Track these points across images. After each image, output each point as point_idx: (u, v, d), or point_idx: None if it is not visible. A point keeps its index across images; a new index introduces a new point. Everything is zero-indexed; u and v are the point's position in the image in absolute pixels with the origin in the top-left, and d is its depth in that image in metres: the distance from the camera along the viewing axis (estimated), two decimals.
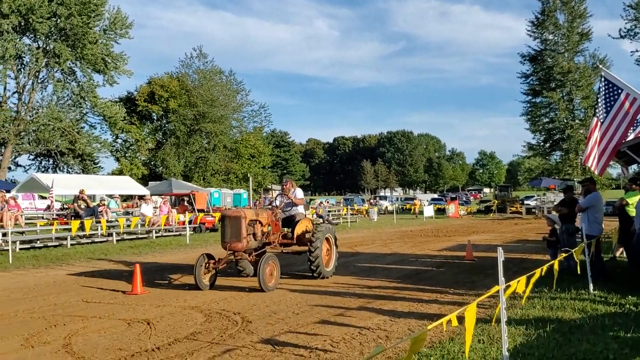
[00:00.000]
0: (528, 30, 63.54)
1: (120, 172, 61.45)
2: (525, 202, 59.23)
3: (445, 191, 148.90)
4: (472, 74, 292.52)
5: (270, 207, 14.71)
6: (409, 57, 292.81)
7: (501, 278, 5.72)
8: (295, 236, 14.01)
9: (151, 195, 35.74)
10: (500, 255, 5.70)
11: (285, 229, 14.32)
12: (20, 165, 66.72)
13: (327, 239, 14.26)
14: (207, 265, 12.40)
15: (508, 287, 6.23)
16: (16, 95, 57.90)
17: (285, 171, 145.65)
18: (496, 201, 57.66)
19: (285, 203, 14.61)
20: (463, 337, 7.48)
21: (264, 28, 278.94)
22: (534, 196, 66.12)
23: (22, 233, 22.34)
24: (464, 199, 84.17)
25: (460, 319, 5.00)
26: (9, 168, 59.20)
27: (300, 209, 14.83)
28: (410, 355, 4.08)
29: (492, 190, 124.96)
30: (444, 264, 16.73)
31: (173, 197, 38.00)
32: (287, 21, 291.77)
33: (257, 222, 13.07)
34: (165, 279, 14.37)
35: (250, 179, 12.15)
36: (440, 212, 54.41)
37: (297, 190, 14.90)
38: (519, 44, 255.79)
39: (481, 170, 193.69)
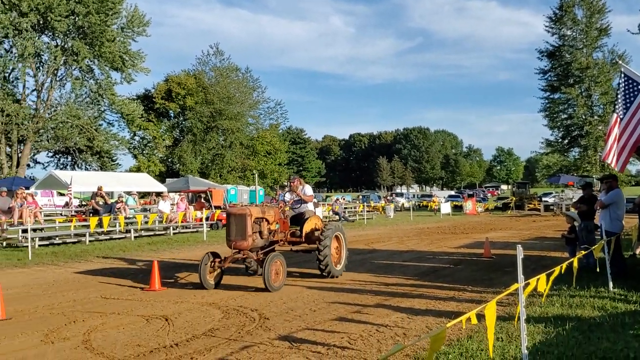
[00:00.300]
0: (546, 26, 63.28)
1: (137, 169, 61.80)
2: (544, 199, 58.73)
3: (462, 188, 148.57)
4: (489, 70, 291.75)
5: (277, 203, 14.63)
6: (425, 53, 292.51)
7: (520, 276, 5.69)
8: (303, 234, 13.65)
9: (168, 192, 35.90)
10: (520, 253, 5.66)
11: (295, 226, 14.00)
12: (39, 163, 67.30)
13: (336, 236, 13.89)
14: (213, 264, 12.19)
15: (527, 284, 6.19)
16: (35, 93, 58.30)
17: (301, 168, 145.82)
18: (514, 198, 57.26)
19: (294, 200, 14.28)
20: (481, 334, 7.47)
21: (280, 25, 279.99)
22: (552, 193, 65.61)
23: (41, 230, 22.52)
24: (482, 195, 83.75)
25: (480, 317, 4.97)
26: (28, 165, 59.68)
27: (310, 206, 14.54)
28: (431, 354, 4.06)
29: (509, 187, 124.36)
30: (461, 262, 16.65)
31: (190, 193, 38.14)
32: (303, 18, 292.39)
33: (264, 219, 12.76)
34: (182, 275, 14.42)
35: (256, 175, 11.84)
36: (458, 209, 54.19)
37: (306, 187, 14.49)
38: (536, 39, 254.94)
39: (499, 167, 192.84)
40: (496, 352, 6.87)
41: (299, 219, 14.08)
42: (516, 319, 7.32)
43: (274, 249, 13.35)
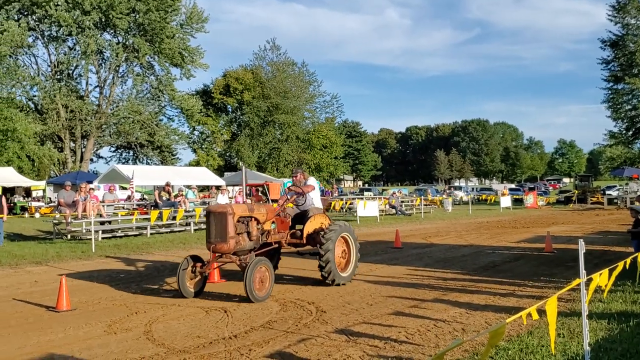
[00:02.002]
0: (608, 15, 61.52)
1: (197, 163, 62.73)
2: (607, 192, 57.37)
3: (523, 181, 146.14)
4: (549, 61, 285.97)
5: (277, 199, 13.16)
6: (483, 44, 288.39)
7: (582, 271, 5.58)
8: (305, 235, 11.94)
9: (226, 185, 36.30)
10: (582, 247, 5.56)
11: (297, 226, 12.44)
12: (102, 157, 69.16)
13: (344, 239, 12.13)
14: (194, 269, 10.63)
15: (590, 280, 6.07)
16: (98, 89, 59.85)
17: (357, 161, 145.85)
18: (576, 191, 56.07)
19: (296, 196, 12.51)
20: (542, 330, 7.35)
21: (335, 18, 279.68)
22: (616, 186, 63.95)
23: (103, 223, 23.07)
24: (543, 189, 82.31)
25: (540, 313, 4.90)
26: (91, 160, 61.25)
27: (316, 202, 12.80)
28: (488, 348, 4.02)
29: (572, 180, 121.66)
30: (521, 256, 16.39)
31: (247, 187, 38.48)
32: (358, 11, 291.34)
33: (252, 218, 11.07)
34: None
35: (243, 167, 11.07)
36: (518, 202, 53.34)
37: (310, 180, 12.92)
38: (598, 29, 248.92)
39: (560, 160, 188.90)
40: (557, 349, 6.76)
41: (302, 218, 12.48)
42: (583, 316, 7.19)
43: (278, 250, 12.24)
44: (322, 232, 11.69)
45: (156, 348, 7.32)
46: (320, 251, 11.42)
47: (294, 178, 12.72)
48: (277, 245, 12.02)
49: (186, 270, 10.52)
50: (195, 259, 10.77)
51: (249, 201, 12.72)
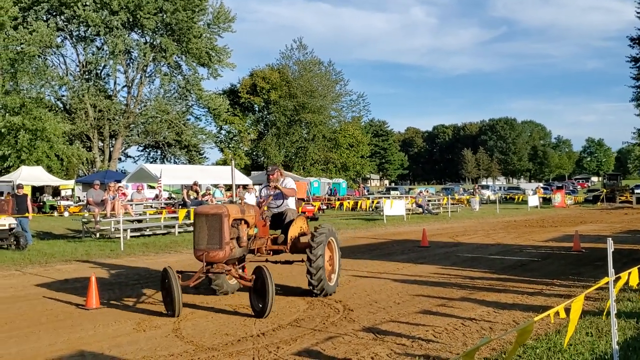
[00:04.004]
0: (638, 13, 60.62)
1: (224, 163, 62.99)
2: (636, 191, 56.60)
3: (551, 180, 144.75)
4: (576, 59, 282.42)
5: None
6: (510, 42, 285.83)
7: (611, 270, 5.53)
8: (289, 241, 10.61)
9: (253, 184, 36.43)
10: (610, 246, 5.51)
11: (274, 231, 11.15)
12: (130, 157, 69.88)
13: (329, 243, 10.81)
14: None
15: (618, 278, 6.02)
16: (125, 89, 60.36)
17: (383, 160, 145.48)
18: (605, 190, 55.41)
19: (273, 196, 11.07)
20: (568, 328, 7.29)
21: (360, 17, 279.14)
22: None
23: (132, 221, 23.28)
24: (571, 188, 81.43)
25: (568, 311, 4.87)
26: (120, 159, 61.80)
27: (291, 203, 11.32)
28: (515, 347, 4.01)
29: (600, 178, 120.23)
30: (549, 255, 16.27)
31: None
32: (384, 10, 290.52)
33: (242, 221, 9.80)
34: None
35: (233, 162, 10.46)
36: (546, 201, 52.86)
37: (287, 179, 11.41)
38: (626, 26, 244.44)
39: (589, 158, 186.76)
40: (586, 347, 6.72)
41: (278, 221, 11.18)
42: (605, 314, 7.14)
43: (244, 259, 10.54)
44: (309, 237, 10.32)
45: (185, 345, 7.39)
46: (310, 257, 10.01)
47: (270, 176, 11.15)
48: (259, 254, 10.63)
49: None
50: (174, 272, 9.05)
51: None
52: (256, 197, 10.68)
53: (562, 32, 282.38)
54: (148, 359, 6.86)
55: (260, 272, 8.90)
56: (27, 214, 20.24)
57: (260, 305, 8.83)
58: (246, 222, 9.86)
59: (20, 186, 21.67)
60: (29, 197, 22.15)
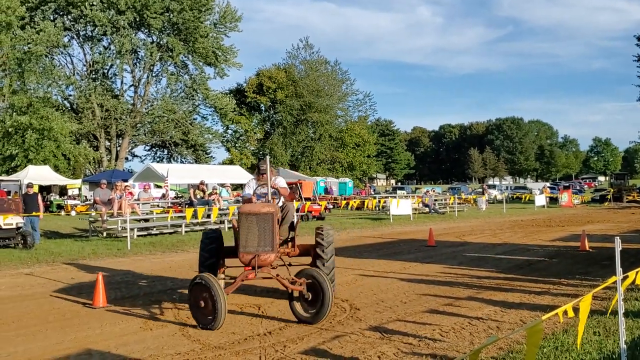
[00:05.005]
0: None
1: (230, 162, 63.08)
2: None
3: (558, 179, 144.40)
4: (583, 58, 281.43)
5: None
6: (516, 42, 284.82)
7: (619, 269, 5.51)
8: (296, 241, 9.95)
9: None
10: (618, 245, 5.49)
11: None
12: (137, 156, 70.13)
13: None
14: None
15: (626, 278, 5.99)
16: (132, 88, 60.47)
17: (390, 160, 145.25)
18: (612, 190, 55.20)
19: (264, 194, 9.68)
20: (577, 328, 7.27)
21: (365, 17, 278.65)
22: None
23: (139, 221, 23.32)
24: (578, 187, 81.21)
25: (576, 311, 4.86)
26: (126, 158, 61.95)
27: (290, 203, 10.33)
28: (531, 349, 3.95)
29: (607, 178, 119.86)
30: (556, 255, 16.22)
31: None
32: (389, 9, 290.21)
33: (278, 221, 8.93)
34: (273, 264, 14.61)
35: (267, 158, 9.45)
36: (553, 201, 52.71)
37: (279, 178, 10.24)
38: (633, 26, 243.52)
39: (596, 158, 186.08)
40: (593, 347, 6.70)
41: None
42: (609, 312, 7.11)
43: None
44: (321, 236, 9.78)
45: (191, 344, 7.40)
46: (323, 255, 9.59)
47: (261, 176, 9.92)
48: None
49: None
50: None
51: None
52: (256, 194, 9.47)
53: (569, 31, 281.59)
54: (155, 358, 6.87)
55: (314, 276, 8.43)
56: (38, 213, 20.33)
57: (313, 311, 8.34)
58: (279, 222, 9.10)
59: (30, 185, 21.79)
60: (40, 196, 22.22)
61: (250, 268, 8.63)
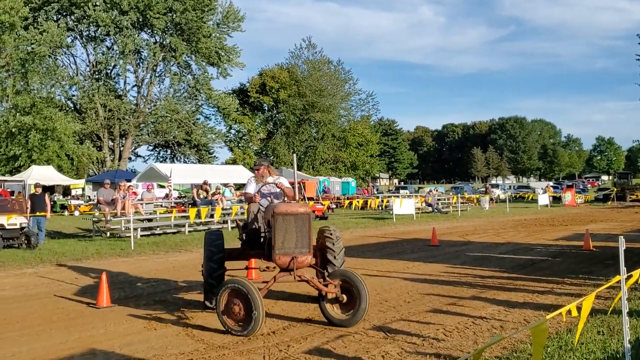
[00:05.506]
0: None
1: (233, 162, 63.13)
2: None
3: (561, 179, 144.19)
4: (586, 58, 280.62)
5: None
6: (519, 41, 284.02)
7: (622, 268, 5.51)
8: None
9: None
10: (622, 244, 5.49)
11: None
12: (140, 156, 70.23)
13: None
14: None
15: (630, 277, 5.99)
16: (135, 88, 60.55)
17: (393, 159, 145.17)
18: (615, 189, 55.13)
19: (274, 194, 9.56)
20: (582, 328, 7.27)
21: (367, 17, 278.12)
22: None
23: (142, 220, 23.34)
24: (581, 186, 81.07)
25: (580, 310, 4.86)
26: (130, 158, 61.99)
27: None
28: (537, 349, 3.94)
29: (611, 177, 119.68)
30: (560, 254, 16.21)
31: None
32: (391, 9, 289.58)
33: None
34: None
35: (294, 156, 9.38)
36: (556, 200, 52.65)
37: (281, 178, 9.99)
38: (635, 25, 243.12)
39: (599, 157, 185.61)
40: (597, 346, 6.70)
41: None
42: (609, 311, 7.10)
43: None
44: (325, 232, 9.62)
45: (195, 344, 7.42)
46: (333, 248, 9.37)
47: (257, 172, 10.04)
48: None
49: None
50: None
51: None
52: (261, 192, 9.07)
53: (571, 31, 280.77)
54: (159, 358, 6.89)
55: (350, 277, 8.23)
56: (44, 213, 20.36)
57: (350, 314, 8.15)
58: None
59: (38, 185, 21.84)
60: (47, 196, 22.28)
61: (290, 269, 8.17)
